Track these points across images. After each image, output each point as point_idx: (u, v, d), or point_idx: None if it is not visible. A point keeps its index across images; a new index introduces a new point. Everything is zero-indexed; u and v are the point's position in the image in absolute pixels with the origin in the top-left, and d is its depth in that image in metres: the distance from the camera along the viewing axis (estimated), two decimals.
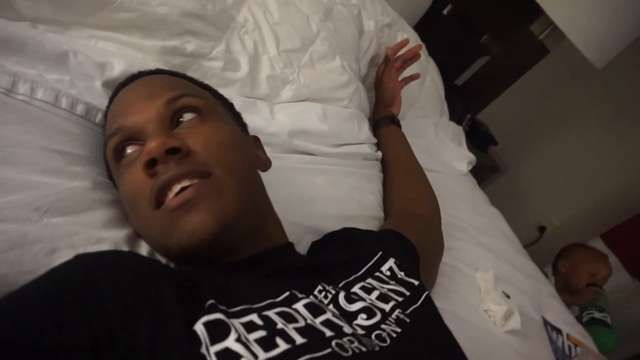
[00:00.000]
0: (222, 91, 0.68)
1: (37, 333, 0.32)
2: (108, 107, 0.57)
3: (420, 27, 1.56)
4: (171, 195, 0.46)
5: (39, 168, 0.48)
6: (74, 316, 0.34)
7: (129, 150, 0.50)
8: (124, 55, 0.67)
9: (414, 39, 1.39)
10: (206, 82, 0.71)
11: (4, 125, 0.48)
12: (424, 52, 1.40)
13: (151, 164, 0.46)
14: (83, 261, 0.39)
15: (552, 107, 2.30)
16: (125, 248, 0.52)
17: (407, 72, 1.17)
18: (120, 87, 0.57)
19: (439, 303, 0.85)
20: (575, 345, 1.08)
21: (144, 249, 0.54)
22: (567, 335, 1.09)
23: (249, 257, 0.52)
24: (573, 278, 1.83)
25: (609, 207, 2.21)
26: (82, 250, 0.45)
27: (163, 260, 0.54)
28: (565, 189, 2.33)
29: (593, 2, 1.44)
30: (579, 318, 1.65)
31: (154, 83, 0.55)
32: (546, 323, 1.07)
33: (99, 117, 0.60)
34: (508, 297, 0.99)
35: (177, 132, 0.50)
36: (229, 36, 0.81)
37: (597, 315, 1.65)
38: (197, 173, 0.47)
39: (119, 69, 0.63)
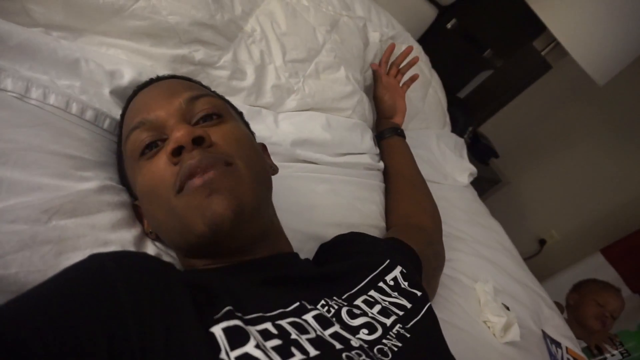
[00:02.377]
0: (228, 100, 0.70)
1: (54, 334, 0.31)
2: (125, 109, 0.58)
3: (424, 40, 1.58)
4: (187, 189, 0.48)
5: (49, 171, 0.49)
6: (91, 319, 0.34)
7: (149, 143, 0.51)
8: (134, 63, 0.68)
9: (418, 52, 1.40)
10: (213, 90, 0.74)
11: (17, 128, 0.50)
12: (427, 65, 1.42)
13: (177, 152, 0.48)
14: (100, 262, 0.39)
15: (554, 122, 2.31)
16: (133, 250, 0.52)
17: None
18: (138, 90, 0.58)
19: (438, 314, 0.85)
20: (575, 359, 1.08)
21: (150, 251, 0.55)
22: (567, 348, 1.10)
23: (259, 260, 0.53)
24: (581, 309, 1.81)
25: (609, 222, 2.22)
26: (89, 252, 0.45)
27: (175, 261, 0.56)
28: (566, 203, 2.33)
29: (596, 20, 1.46)
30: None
31: (173, 84, 0.58)
32: (546, 336, 1.07)
33: (107, 123, 0.61)
34: (507, 309, 0.99)
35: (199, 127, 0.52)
36: (236, 45, 0.83)
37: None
38: (221, 162, 0.48)
39: (128, 77, 0.65)
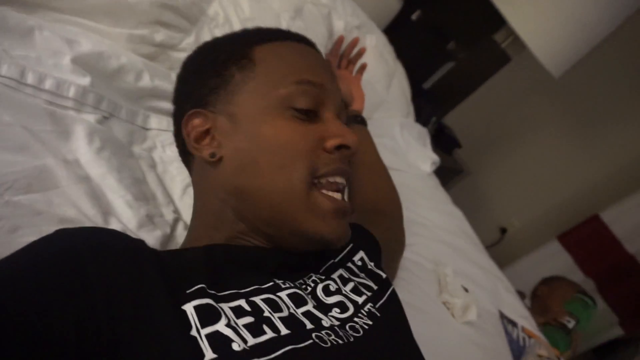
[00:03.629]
0: None
1: (20, 318, 0.30)
2: (274, 38, 0.55)
3: (390, 31, 1.60)
4: (324, 191, 0.50)
5: (2, 145, 0.48)
6: (59, 302, 0.32)
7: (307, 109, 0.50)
8: (91, 36, 0.66)
9: (382, 43, 1.43)
10: (174, 72, 0.72)
11: None
12: (391, 55, 1.44)
13: (338, 148, 0.50)
14: (68, 241, 0.37)
15: (514, 114, 2.39)
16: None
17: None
18: (290, 36, 0.56)
19: (400, 295, 0.88)
20: (529, 337, 1.13)
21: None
22: (522, 327, 1.14)
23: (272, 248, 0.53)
24: (548, 301, 1.90)
25: (565, 210, 2.32)
26: (45, 230, 0.43)
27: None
28: (525, 192, 2.42)
29: (552, 14, 1.52)
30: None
31: (328, 64, 0.58)
32: (502, 316, 1.11)
33: (72, 91, 0.59)
34: (466, 290, 1.03)
35: None
36: (199, 29, 0.82)
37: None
38: (348, 174, 0.53)
39: (87, 46, 0.63)
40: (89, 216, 0.52)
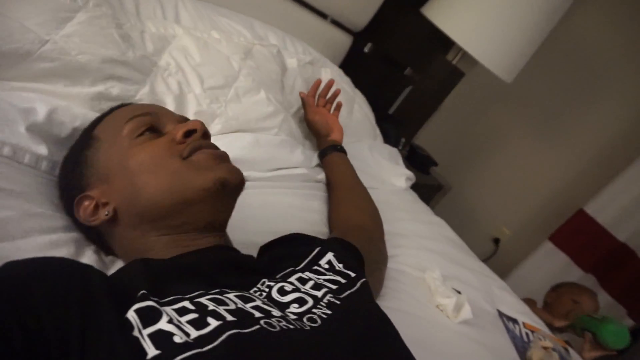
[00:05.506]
0: None
1: None
2: (106, 114, 0.66)
3: (345, 65, 1.68)
4: (194, 157, 0.57)
5: None
6: (5, 313, 0.34)
7: (147, 133, 0.60)
8: (47, 99, 0.70)
9: (338, 75, 1.50)
10: None
11: None
12: (348, 84, 1.51)
13: (188, 135, 0.58)
14: (16, 269, 0.39)
15: (481, 125, 2.47)
16: None
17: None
18: (117, 107, 0.67)
19: (389, 303, 0.87)
20: (532, 332, 1.12)
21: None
22: (523, 323, 1.13)
23: (212, 247, 0.58)
24: (557, 306, 1.89)
25: (551, 209, 2.34)
26: None
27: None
28: (509, 199, 2.45)
29: (493, 26, 1.62)
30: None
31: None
32: (501, 315, 1.10)
33: (27, 158, 0.63)
34: (459, 292, 1.02)
35: None
36: (152, 79, 0.87)
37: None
38: (214, 147, 0.60)
39: (43, 113, 0.66)
40: None
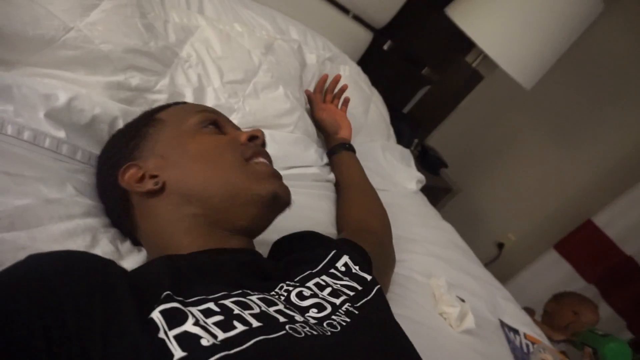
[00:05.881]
0: None
1: None
2: (171, 105, 0.70)
3: (363, 62, 1.67)
4: (257, 161, 0.62)
5: None
6: (27, 311, 0.34)
7: (212, 126, 0.64)
8: (68, 87, 0.70)
9: (356, 72, 1.49)
10: None
11: None
12: (366, 82, 1.50)
13: (251, 139, 0.63)
14: (37, 263, 0.39)
15: (495, 129, 2.45)
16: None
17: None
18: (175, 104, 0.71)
19: (395, 310, 0.87)
20: (533, 343, 1.12)
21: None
22: (524, 334, 1.13)
23: (238, 249, 0.59)
24: (557, 317, 1.88)
25: (559, 217, 2.33)
26: None
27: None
28: (517, 205, 2.44)
29: (517, 31, 1.59)
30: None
31: None
32: (503, 324, 1.11)
33: (47, 142, 0.62)
34: (463, 301, 1.03)
35: None
36: (173, 71, 0.86)
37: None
38: (268, 157, 0.65)
39: (63, 99, 0.66)
40: (73, 249, 0.53)
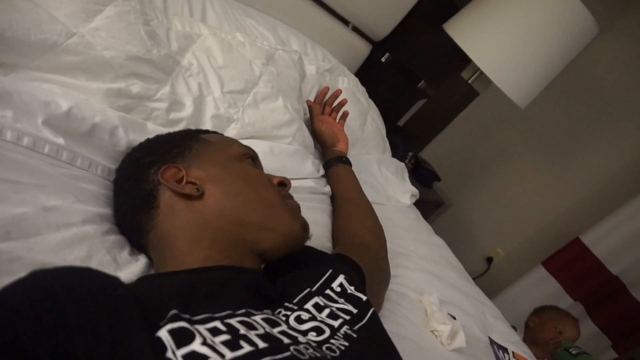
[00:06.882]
0: (168, 130, 0.73)
1: None
2: (210, 131, 0.76)
3: (361, 73, 1.68)
4: (291, 201, 0.69)
5: None
6: (34, 329, 0.33)
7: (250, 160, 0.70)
8: (69, 95, 0.69)
9: (354, 84, 1.49)
10: (151, 122, 0.77)
11: None
12: (363, 95, 1.50)
13: (281, 184, 0.70)
14: (44, 281, 0.38)
15: (488, 145, 2.47)
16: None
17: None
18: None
19: (387, 326, 0.87)
20: None
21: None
22: (513, 353, 1.14)
23: (247, 268, 0.60)
24: (540, 333, 1.90)
25: (547, 235, 2.35)
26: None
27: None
28: (507, 221, 2.46)
29: (513, 50, 1.61)
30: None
31: None
32: (492, 342, 1.11)
33: (47, 149, 0.61)
34: (454, 318, 1.03)
35: None
36: (174, 79, 0.86)
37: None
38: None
39: (64, 107, 0.65)
40: (68, 261, 0.52)
